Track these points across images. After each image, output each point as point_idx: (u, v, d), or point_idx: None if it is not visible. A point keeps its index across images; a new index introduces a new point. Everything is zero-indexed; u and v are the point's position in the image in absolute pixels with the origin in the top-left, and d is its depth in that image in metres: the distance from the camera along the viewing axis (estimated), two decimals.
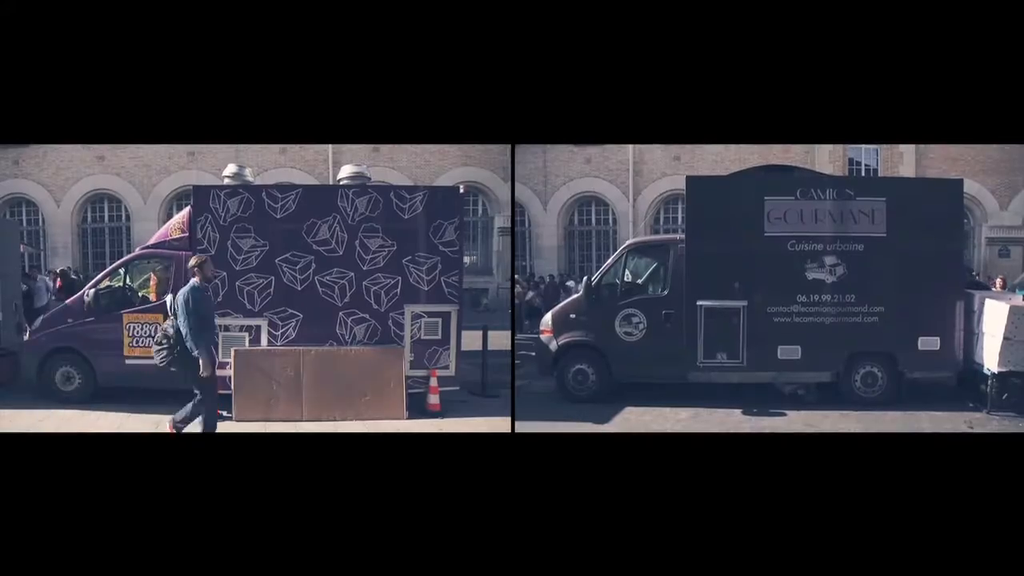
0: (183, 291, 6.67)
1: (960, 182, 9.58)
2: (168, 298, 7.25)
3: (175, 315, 6.68)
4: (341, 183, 9.40)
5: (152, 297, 9.25)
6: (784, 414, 8.50)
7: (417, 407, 8.37)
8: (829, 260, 8.82)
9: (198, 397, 6.73)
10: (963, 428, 7.94)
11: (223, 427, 7.96)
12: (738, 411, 8.56)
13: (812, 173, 11.25)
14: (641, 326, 9.13)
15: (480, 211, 20.83)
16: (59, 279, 14.05)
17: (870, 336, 8.77)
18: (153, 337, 7.30)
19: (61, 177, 20.52)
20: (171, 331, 6.67)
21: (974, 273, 14.07)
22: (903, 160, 19.36)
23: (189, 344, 6.55)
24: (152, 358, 8.45)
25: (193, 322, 6.53)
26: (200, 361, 6.57)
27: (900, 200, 8.86)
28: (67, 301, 9.44)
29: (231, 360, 8.22)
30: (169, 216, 16.61)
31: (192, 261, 6.86)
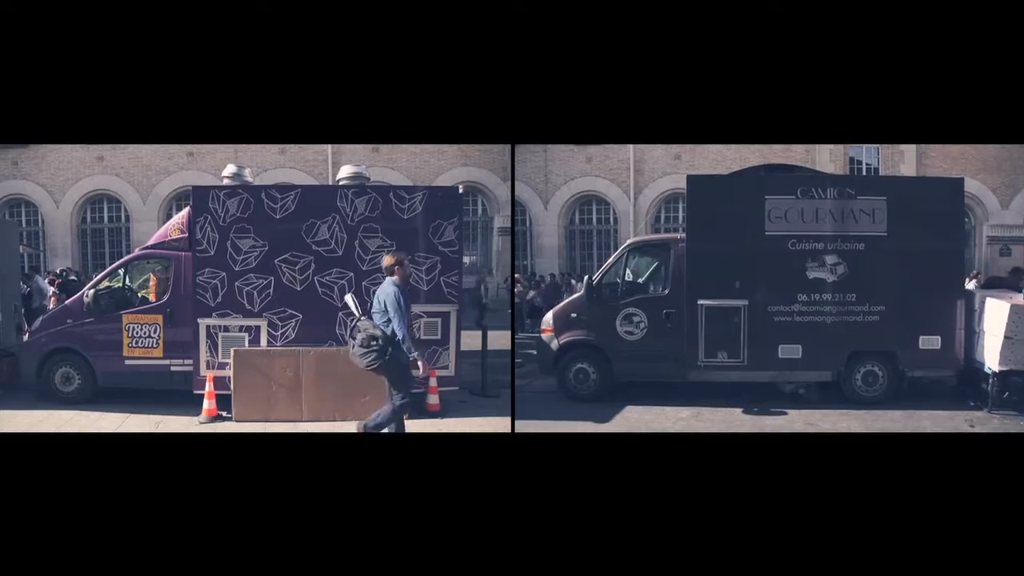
0: (391, 291, 6.28)
1: (961, 181, 9.55)
2: (349, 298, 6.75)
3: (385, 314, 6.26)
4: (340, 183, 9.39)
5: (152, 297, 9.23)
6: (785, 413, 8.49)
7: (417, 407, 8.35)
8: (830, 259, 8.81)
9: (400, 400, 6.41)
10: (964, 427, 7.93)
11: (222, 427, 8.02)
12: (739, 410, 8.56)
13: (813, 172, 11.24)
14: (642, 325, 9.12)
15: (480, 211, 20.83)
16: (58, 279, 14.05)
17: (871, 335, 8.76)
18: (355, 338, 6.44)
19: (60, 177, 20.53)
20: (378, 333, 6.25)
21: (975, 272, 14.04)
22: (904, 159, 19.35)
23: (407, 345, 6.22)
24: (151, 358, 8.68)
25: (407, 322, 6.26)
26: (418, 362, 6.29)
27: (901, 199, 8.85)
28: (67, 302, 9.44)
29: (231, 360, 8.24)
30: (169, 216, 16.62)
31: (390, 260, 6.49)
